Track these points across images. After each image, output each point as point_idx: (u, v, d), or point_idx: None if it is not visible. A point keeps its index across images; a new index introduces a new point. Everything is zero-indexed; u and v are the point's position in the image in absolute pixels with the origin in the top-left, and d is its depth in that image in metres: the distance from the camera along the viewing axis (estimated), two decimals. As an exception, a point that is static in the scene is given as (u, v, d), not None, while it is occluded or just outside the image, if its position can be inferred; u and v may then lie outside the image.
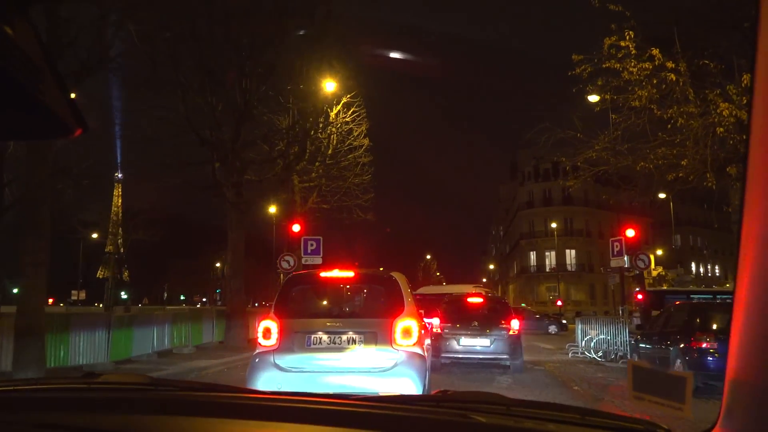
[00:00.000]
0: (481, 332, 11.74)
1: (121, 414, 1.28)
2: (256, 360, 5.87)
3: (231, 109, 17.67)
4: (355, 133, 23.53)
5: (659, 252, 54.43)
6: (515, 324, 11.78)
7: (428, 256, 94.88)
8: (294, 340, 5.85)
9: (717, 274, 66.72)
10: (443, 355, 11.82)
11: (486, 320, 11.96)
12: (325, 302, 6.56)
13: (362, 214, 24.33)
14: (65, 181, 19.36)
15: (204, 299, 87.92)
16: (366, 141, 23.87)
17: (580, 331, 17.41)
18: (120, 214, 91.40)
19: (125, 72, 15.47)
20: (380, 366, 5.63)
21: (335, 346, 5.78)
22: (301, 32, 18.10)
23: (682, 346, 9.45)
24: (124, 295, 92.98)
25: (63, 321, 11.12)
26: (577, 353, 16.46)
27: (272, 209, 26.83)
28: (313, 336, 5.85)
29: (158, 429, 1.23)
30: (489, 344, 11.65)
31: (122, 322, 12.94)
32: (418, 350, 5.80)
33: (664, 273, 44.75)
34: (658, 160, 14.87)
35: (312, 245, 17.15)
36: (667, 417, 1.35)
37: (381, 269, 6.61)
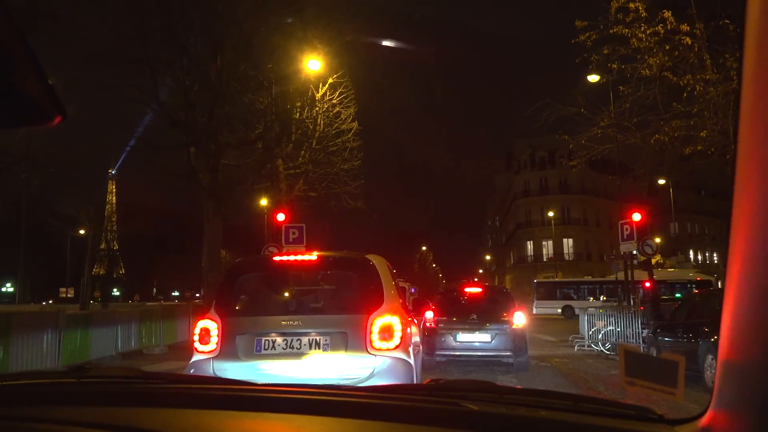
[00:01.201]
0: (480, 326, 10.38)
1: (111, 407, 1.26)
2: (191, 371, 4.48)
3: (206, 89, 16.26)
4: (343, 116, 22.10)
5: (657, 240, 53.44)
6: (519, 317, 10.42)
7: (424, 248, 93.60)
8: (239, 344, 4.47)
9: (716, 261, 65.61)
10: (438, 352, 10.48)
11: (486, 313, 10.60)
12: (280, 295, 5.18)
13: (352, 201, 22.93)
14: (28, 169, 17.97)
15: (198, 294, 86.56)
16: (355, 125, 22.46)
17: (585, 322, 16.16)
18: (114, 211, 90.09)
19: (85, 45, 14.03)
20: (352, 376, 4.26)
21: (293, 352, 4.41)
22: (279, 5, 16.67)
23: (714, 339, 8.12)
24: (116, 292, 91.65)
25: (2, 321, 9.71)
26: (584, 346, 15.22)
27: (261, 199, 25.50)
28: (264, 339, 4.47)
29: (148, 421, 1.17)
30: (490, 340, 10.29)
31: (77, 321, 11.56)
32: (401, 355, 4.43)
33: (662, 261, 43.71)
34: (673, 132, 13.54)
35: (294, 233, 15.70)
36: (660, 402, 1.36)
37: (353, 252, 5.18)
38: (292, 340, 4.44)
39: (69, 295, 64.93)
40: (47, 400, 1.32)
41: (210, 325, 4.55)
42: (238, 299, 4.91)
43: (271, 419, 1.23)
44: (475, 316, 10.49)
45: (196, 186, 16.63)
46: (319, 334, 4.43)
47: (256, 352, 4.43)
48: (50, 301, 67.96)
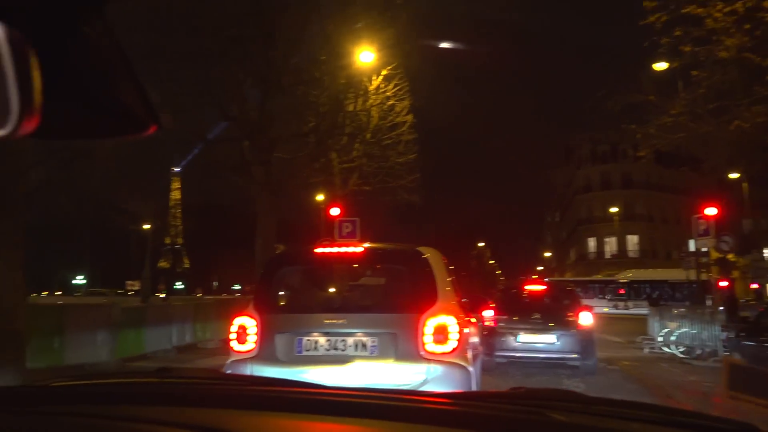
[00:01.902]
0: (543, 327, 9.71)
1: (194, 407, 1.26)
2: (228, 372, 4.11)
3: (258, 82, 16.11)
4: (398, 109, 21.64)
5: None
6: (586, 317, 9.70)
7: (481, 244, 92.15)
8: (278, 344, 4.07)
9: (794, 260, 61.77)
10: (498, 353, 9.88)
11: (550, 312, 9.92)
12: (323, 291, 4.74)
13: (407, 195, 22.47)
14: (90, 165, 18.31)
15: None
16: (409, 118, 21.97)
17: (656, 323, 15.19)
18: (178, 207, 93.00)
19: (130, 42, 14.04)
20: (402, 384, 3.78)
21: (337, 355, 3.96)
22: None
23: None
24: (180, 285, 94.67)
25: (55, 314, 9.73)
26: (654, 348, 14.27)
27: (315, 193, 25.44)
28: (305, 339, 4.05)
29: (229, 423, 1.16)
30: (554, 341, 9.60)
31: (132, 314, 11.55)
32: (457, 360, 3.92)
33: (735, 259, 41.42)
34: (754, 118, 12.42)
35: (347, 227, 15.35)
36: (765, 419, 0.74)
37: (404, 244, 4.69)
38: (336, 340, 4.00)
39: (135, 288, 67.45)
40: (135, 400, 1.32)
41: (248, 322, 4.16)
42: (278, 294, 4.51)
43: (351, 424, 1.21)
44: (537, 316, 9.84)
45: (249, 180, 16.55)
46: (366, 334, 3.98)
47: (296, 353, 4.02)
48: (111, 292, 70.60)
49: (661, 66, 15.43)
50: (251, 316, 4.18)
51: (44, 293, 72.93)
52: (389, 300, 4.47)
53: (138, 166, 26.03)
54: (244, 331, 4.13)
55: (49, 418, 1.16)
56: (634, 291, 39.89)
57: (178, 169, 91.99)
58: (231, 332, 4.19)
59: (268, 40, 15.94)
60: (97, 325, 10.30)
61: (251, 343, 4.11)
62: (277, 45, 16.00)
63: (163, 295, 49.63)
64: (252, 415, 1.25)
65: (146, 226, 42.34)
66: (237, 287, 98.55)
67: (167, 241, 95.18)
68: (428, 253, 4.36)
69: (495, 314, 10.09)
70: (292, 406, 1.29)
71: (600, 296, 39.41)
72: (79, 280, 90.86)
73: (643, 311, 35.80)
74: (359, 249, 4.37)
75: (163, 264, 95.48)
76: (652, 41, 13.46)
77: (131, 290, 71.32)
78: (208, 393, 1.45)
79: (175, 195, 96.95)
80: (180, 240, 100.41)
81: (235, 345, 4.16)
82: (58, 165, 16.80)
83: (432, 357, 3.86)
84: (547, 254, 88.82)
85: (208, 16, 14.97)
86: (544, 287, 11.36)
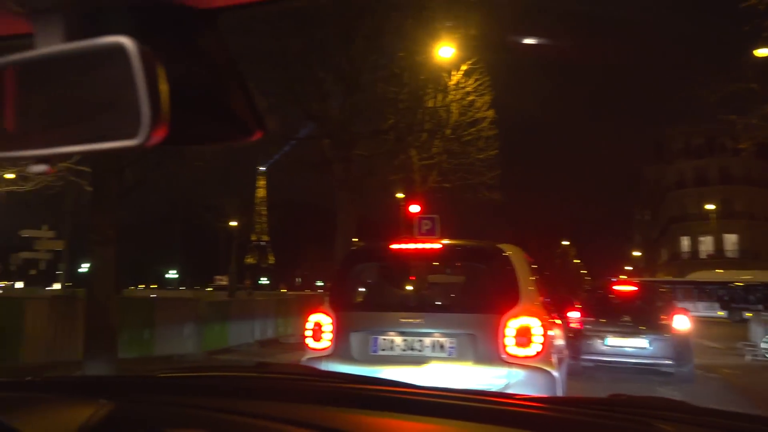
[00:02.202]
0: (634, 330, 9.16)
1: (291, 402, 1.29)
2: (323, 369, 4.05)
3: (338, 79, 16.23)
4: (478, 105, 21.21)
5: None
6: (682, 320, 9.07)
7: (565, 242, 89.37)
8: (353, 342, 3.97)
9: None
10: (584, 357, 9.42)
11: (641, 315, 9.36)
12: (399, 289, 4.60)
13: (487, 193, 22.01)
14: (178, 163, 19.07)
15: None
16: (490, 113, 21.48)
17: (759, 328, 14.10)
18: (264, 204, 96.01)
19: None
20: (481, 389, 3.58)
21: (413, 355, 3.82)
22: None
23: None
24: (266, 281, 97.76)
25: (146, 307, 10.16)
26: (757, 355, 13.24)
27: (395, 190, 25.46)
28: (381, 338, 3.93)
29: (325, 420, 1.18)
30: (646, 345, 9.03)
31: (216, 308, 11.91)
32: (541, 365, 3.68)
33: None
34: None
35: (427, 225, 15.08)
36: None
37: (484, 241, 4.47)
38: (412, 340, 3.86)
39: (222, 283, 70.15)
40: (236, 394, 1.35)
41: (323, 319, 4.09)
42: (354, 291, 4.42)
43: (447, 425, 1.19)
44: (627, 318, 9.30)
45: (330, 177, 16.74)
46: (444, 335, 3.81)
47: (371, 353, 3.90)
48: (207, 288, 73.77)
49: (763, 52, 14.30)
50: (326, 314, 4.11)
51: (140, 286, 77.23)
52: (468, 299, 4.28)
53: (224, 165, 26.95)
54: (320, 328, 4.06)
55: (162, 407, 1.20)
56: (706, 294, 37.32)
57: (264, 168, 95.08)
58: (306, 329, 4.14)
59: (348, 38, 16.03)
60: (184, 319, 10.69)
61: (326, 341, 4.04)
62: (356, 42, 16.06)
63: (247, 290, 51.36)
64: (351, 413, 1.26)
65: (233, 223, 43.93)
66: (320, 283, 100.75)
67: (253, 237, 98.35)
68: (510, 251, 4.13)
69: (581, 316, 9.63)
70: (380, 404, 1.29)
71: (696, 299, 37.14)
72: (172, 274, 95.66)
73: (713, 314, 33.56)
74: (437, 246, 4.21)
75: (249, 260, 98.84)
76: (754, 25, 12.48)
77: (219, 285, 74.23)
78: (306, 389, 1.47)
79: (261, 193, 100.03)
80: (265, 237, 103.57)
81: (310, 342, 4.11)
82: (151, 164, 17.60)
83: (514, 360, 3.64)
84: (636, 253, 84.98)
85: (290, 18, 15.23)
86: (635, 288, 10.74)
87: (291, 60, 15.40)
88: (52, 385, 1.47)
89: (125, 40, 0.59)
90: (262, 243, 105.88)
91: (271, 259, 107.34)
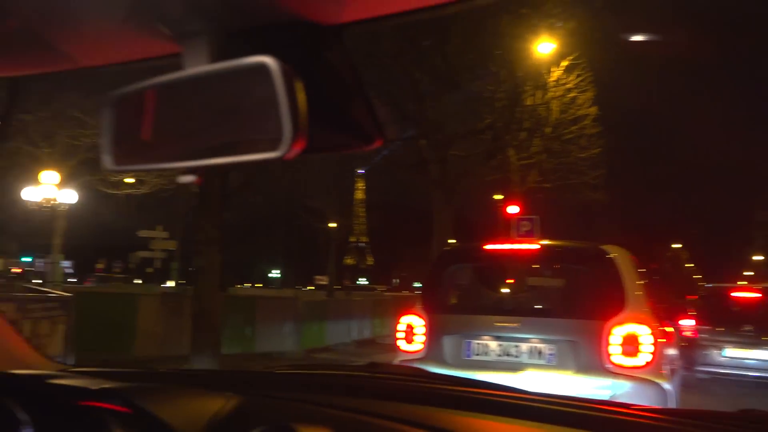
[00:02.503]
0: (757, 341, 8.39)
1: (406, 403, 1.27)
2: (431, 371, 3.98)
3: (433, 79, 16.15)
4: (580, 101, 20.37)
5: None
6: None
7: (676, 245, 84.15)
8: (446, 346, 3.85)
9: None
10: (698, 368, 8.73)
11: (765, 324, 8.55)
12: (494, 291, 4.41)
13: (590, 193, 21.10)
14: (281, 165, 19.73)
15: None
16: (593, 110, 20.57)
17: None
18: (362, 206, 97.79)
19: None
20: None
21: (509, 361, 3.64)
22: None
23: None
24: (364, 281, 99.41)
25: (248, 305, 10.54)
26: None
27: (492, 190, 25.02)
28: (474, 342, 3.78)
29: (436, 421, 1.18)
30: None
31: (315, 308, 12.16)
32: (651, 376, 3.38)
33: None
34: None
35: (526, 226, 14.63)
36: None
37: (586, 242, 4.20)
38: (508, 346, 3.68)
39: (322, 282, 72.00)
40: (350, 392, 1.38)
41: (415, 321, 4.00)
42: (447, 293, 4.29)
43: None
44: (749, 328, 8.52)
45: (426, 178, 16.70)
46: (543, 341, 3.60)
47: (465, 357, 3.76)
48: (306, 287, 76.04)
49: None
50: (419, 315, 4.02)
51: (246, 285, 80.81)
52: (569, 304, 4.03)
53: (324, 167, 27.58)
54: (411, 330, 3.98)
55: (284, 402, 1.24)
56: None
57: (362, 171, 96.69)
58: (398, 331, 4.07)
59: (444, 38, 15.90)
60: (284, 317, 10.99)
61: (418, 343, 3.95)
62: (451, 42, 15.90)
63: (344, 290, 52.42)
64: (466, 416, 1.25)
65: (332, 225, 44.95)
66: (417, 284, 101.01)
67: (352, 239, 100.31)
68: (615, 253, 3.85)
69: (695, 324, 8.93)
70: (491, 409, 1.27)
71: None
72: (275, 273, 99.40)
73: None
74: (535, 246, 4.00)
75: (348, 261, 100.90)
76: None
77: (319, 284, 76.20)
78: (419, 390, 1.48)
79: (359, 195, 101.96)
80: (364, 238, 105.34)
81: (402, 344, 4.03)
82: (254, 168, 18.32)
83: (619, 371, 3.37)
84: (758, 258, 78.57)
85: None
86: (758, 294, 9.84)
87: (387, 61, 15.49)
88: (179, 377, 1.57)
89: (268, 59, 0.64)
90: (360, 244, 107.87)
91: (370, 260, 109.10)
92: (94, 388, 1.16)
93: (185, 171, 0.72)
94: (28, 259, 40.63)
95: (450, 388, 1.55)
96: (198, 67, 0.71)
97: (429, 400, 1.33)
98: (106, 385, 1.16)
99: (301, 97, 0.65)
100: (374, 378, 1.61)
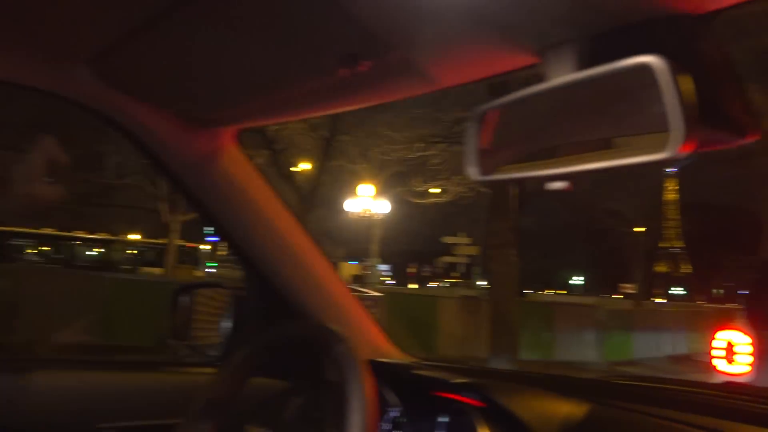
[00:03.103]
0: None
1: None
2: None
3: None
4: None
5: None
6: None
7: None
8: None
9: None
10: None
11: None
12: None
13: None
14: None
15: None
16: None
17: None
18: (674, 208, 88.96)
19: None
20: None
21: None
22: None
23: None
24: (680, 291, 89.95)
25: (546, 311, 10.34)
26: None
27: None
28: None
29: None
30: None
31: (619, 317, 11.34)
32: None
33: None
34: None
35: None
36: None
37: None
38: None
39: (628, 291, 67.06)
40: (705, 411, 1.26)
41: (738, 338, 3.34)
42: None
43: None
44: None
45: (753, 173, 14.32)
46: None
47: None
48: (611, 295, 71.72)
49: None
50: (743, 331, 3.34)
51: (548, 291, 79.85)
52: None
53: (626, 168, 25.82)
54: (732, 348, 3.33)
55: (635, 415, 1.20)
56: None
57: (674, 170, 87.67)
58: (714, 348, 3.45)
59: None
60: (584, 325, 10.48)
61: (743, 364, 3.29)
62: None
63: (658, 301, 47.90)
64: None
65: (638, 229, 41.52)
66: (743, 292, 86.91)
67: (664, 244, 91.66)
68: None
69: None
70: None
71: None
72: (577, 280, 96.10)
73: None
74: None
75: (660, 268, 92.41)
76: None
77: (626, 292, 71.30)
78: None
79: (670, 195, 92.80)
80: (678, 243, 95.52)
81: (720, 364, 3.41)
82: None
83: None
84: None
85: None
86: None
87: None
88: (528, 379, 1.60)
89: (651, 59, 0.62)
90: (674, 249, 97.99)
91: (687, 268, 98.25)
92: (452, 381, 1.22)
93: (557, 178, 0.72)
94: (354, 263, 46.57)
95: None
96: (568, 75, 0.71)
97: None
98: (463, 380, 1.22)
99: (691, 95, 0.62)
100: (730, 398, 1.41)
